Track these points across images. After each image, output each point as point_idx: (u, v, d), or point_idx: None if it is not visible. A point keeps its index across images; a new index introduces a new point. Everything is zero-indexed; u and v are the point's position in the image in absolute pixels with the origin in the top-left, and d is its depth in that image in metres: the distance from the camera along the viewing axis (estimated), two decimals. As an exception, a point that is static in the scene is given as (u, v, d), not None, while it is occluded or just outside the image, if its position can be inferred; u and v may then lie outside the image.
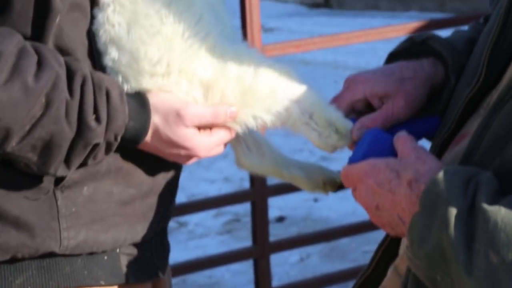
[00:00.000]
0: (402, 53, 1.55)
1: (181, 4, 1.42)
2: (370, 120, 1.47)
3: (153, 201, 1.53)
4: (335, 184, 1.57)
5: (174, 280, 4.14)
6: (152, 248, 1.58)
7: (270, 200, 3.68)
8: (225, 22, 1.50)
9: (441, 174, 1.19)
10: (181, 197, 5.07)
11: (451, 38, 1.57)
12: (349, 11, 12.65)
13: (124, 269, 1.53)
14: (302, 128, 1.48)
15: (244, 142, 1.55)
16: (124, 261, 1.53)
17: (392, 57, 1.57)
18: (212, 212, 4.77)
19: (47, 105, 1.33)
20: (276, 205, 4.79)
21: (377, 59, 8.90)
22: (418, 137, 1.51)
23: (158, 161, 1.49)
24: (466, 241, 1.14)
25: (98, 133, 1.37)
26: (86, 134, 1.36)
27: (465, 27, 1.66)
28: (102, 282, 1.50)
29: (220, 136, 1.48)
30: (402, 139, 1.33)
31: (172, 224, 4.76)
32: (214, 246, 4.46)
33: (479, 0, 10.73)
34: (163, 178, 1.54)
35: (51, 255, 1.45)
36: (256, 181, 3.53)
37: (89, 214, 1.46)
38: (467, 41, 1.55)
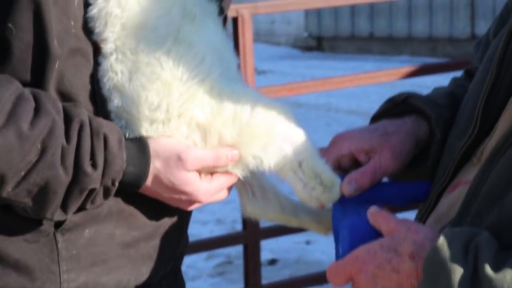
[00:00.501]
0: (384, 114, 1.57)
1: (181, 48, 1.44)
2: (359, 174, 1.47)
3: (158, 242, 1.53)
4: None
5: (166, 323, 4.13)
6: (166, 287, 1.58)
7: (262, 243, 3.68)
8: (228, 63, 1.51)
9: (440, 241, 1.17)
10: (173, 239, 5.06)
11: (431, 94, 1.59)
12: (341, 55, 12.75)
13: None
14: (289, 175, 1.47)
15: (250, 189, 1.54)
16: None
17: (375, 119, 1.59)
18: (204, 254, 4.75)
19: (43, 151, 1.34)
20: (268, 248, 4.78)
21: (369, 102, 8.96)
22: (407, 201, 1.53)
23: (161, 203, 1.49)
24: None
25: (94, 179, 1.37)
26: (82, 180, 1.36)
27: (456, 73, 1.69)
28: None
29: (221, 181, 1.48)
30: (380, 216, 1.30)
31: (163, 266, 4.74)
32: (205, 289, 4.44)
33: (470, 46, 10.80)
34: (168, 219, 1.54)
35: None
36: (249, 223, 3.54)
37: (90, 256, 1.46)
38: (447, 95, 1.57)
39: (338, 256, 1.34)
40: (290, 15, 13.50)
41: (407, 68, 3.86)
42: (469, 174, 1.36)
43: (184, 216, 1.58)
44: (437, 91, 1.61)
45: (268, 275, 3.85)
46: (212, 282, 4.56)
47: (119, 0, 1.41)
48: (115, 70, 1.42)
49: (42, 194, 1.36)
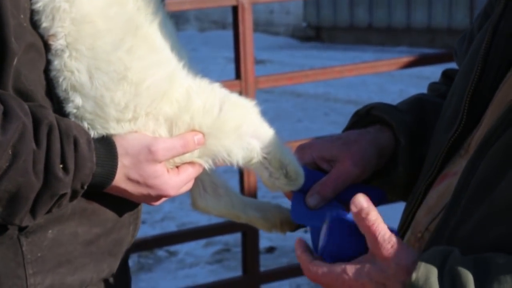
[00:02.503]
0: (352, 127, 1.60)
1: (143, 46, 1.40)
2: (320, 185, 1.49)
3: (116, 236, 1.52)
4: (292, 224, 1.55)
5: (164, 309, 4.15)
6: (117, 280, 1.57)
7: (260, 231, 3.70)
8: (185, 56, 1.49)
9: (414, 276, 1.17)
10: (171, 227, 5.08)
11: (399, 103, 1.62)
12: (340, 45, 12.75)
13: None
14: (256, 164, 1.48)
15: (201, 184, 1.54)
16: None
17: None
18: (202, 241, 4.77)
19: (14, 157, 1.29)
20: (267, 236, 4.80)
21: (368, 92, 8.97)
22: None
23: (121, 198, 1.47)
24: None
25: (65, 183, 1.34)
26: (53, 185, 1.32)
27: (454, 63, 1.71)
28: None
29: (188, 173, 1.47)
30: (367, 223, 1.25)
31: (162, 253, 4.76)
32: (204, 276, 4.46)
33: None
34: (126, 213, 1.53)
35: None
36: (247, 211, 3.56)
37: (55, 257, 1.44)
38: (413, 101, 1.60)
39: (316, 246, 1.32)
40: (289, 5, 13.48)
41: (406, 58, 3.88)
42: (456, 166, 1.37)
43: (139, 207, 1.57)
44: (407, 98, 1.64)
45: (266, 262, 3.87)
46: (210, 269, 4.59)
47: None
48: (70, 69, 1.37)
49: (13, 201, 1.31)
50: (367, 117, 1.58)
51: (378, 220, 1.24)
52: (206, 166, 1.48)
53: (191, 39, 12.05)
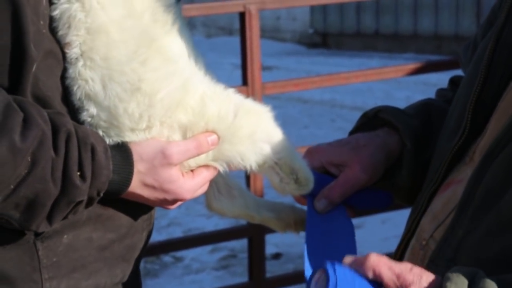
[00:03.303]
0: (360, 129, 1.60)
1: (157, 57, 1.40)
2: (328, 190, 1.49)
3: (130, 241, 1.52)
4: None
5: (170, 315, 4.15)
6: (129, 285, 1.56)
7: (267, 237, 3.70)
8: (201, 63, 1.49)
9: None
10: (177, 232, 5.09)
11: (406, 107, 1.62)
12: (346, 51, 12.75)
13: None
14: (267, 169, 1.49)
15: (215, 186, 1.54)
16: None
17: (351, 134, 1.61)
18: (208, 247, 4.78)
19: (33, 164, 1.29)
20: (273, 242, 4.80)
21: (374, 99, 8.97)
22: (365, 208, 1.56)
23: (136, 202, 1.47)
24: None
25: (82, 191, 1.34)
26: (70, 192, 1.33)
27: (460, 70, 1.72)
28: None
29: (203, 176, 1.47)
30: (380, 265, 1.19)
31: (168, 259, 4.77)
32: (209, 282, 4.46)
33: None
34: (140, 218, 1.53)
35: None
36: (254, 217, 3.56)
37: (70, 262, 1.44)
38: (420, 105, 1.60)
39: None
40: (296, 11, 13.50)
41: (413, 65, 3.88)
42: (461, 173, 1.37)
43: (152, 212, 1.57)
44: (415, 102, 1.64)
45: (272, 269, 3.87)
46: (216, 275, 4.59)
47: (83, 3, 1.36)
48: (84, 78, 1.37)
49: (30, 207, 1.31)
50: (374, 119, 1.58)
51: (382, 261, 1.18)
52: (221, 169, 1.48)
53: (198, 45, 11.95)
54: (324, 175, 1.52)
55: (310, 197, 1.51)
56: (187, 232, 4.99)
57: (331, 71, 7.63)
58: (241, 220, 5.35)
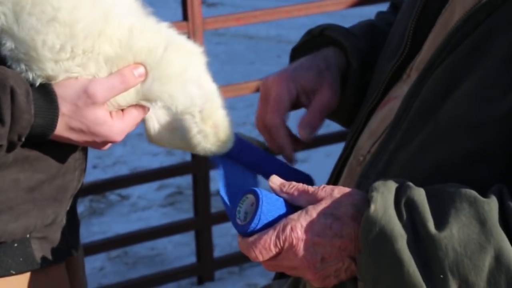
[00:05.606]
0: (304, 46, 1.59)
1: None
2: (308, 116, 1.49)
3: (61, 182, 1.49)
4: None
5: (116, 252, 4.17)
6: (64, 227, 1.55)
7: (211, 173, 3.71)
8: None
9: (372, 209, 1.13)
10: (123, 170, 5.06)
11: (351, 27, 1.62)
12: (292, -14, 12.68)
13: (36, 254, 1.49)
14: (188, 116, 1.42)
15: (155, 117, 1.48)
16: (35, 245, 1.49)
17: (294, 51, 1.61)
18: (154, 185, 4.77)
19: None
20: (217, 177, 4.81)
21: (319, 34, 8.97)
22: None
23: (65, 143, 1.44)
24: (426, 274, 1.10)
25: (1, 135, 1.31)
26: None
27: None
28: (13, 272, 1.46)
29: (133, 116, 1.43)
30: (293, 186, 1.22)
31: (114, 197, 4.75)
32: (156, 219, 4.47)
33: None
34: (71, 158, 1.50)
35: None
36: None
37: None
38: (366, 26, 1.60)
39: (248, 230, 1.21)
40: None
41: (355, -2, 3.88)
42: (398, 90, 1.39)
43: (85, 151, 1.54)
44: (358, 23, 1.64)
45: (217, 204, 3.88)
46: (162, 212, 4.60)
47: None
48: None
49: None
50: (319, 37, 1.57)
51: (300, 184, 1.22)
52: (151, 108, 1.44)
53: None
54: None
55: (222, 158, 1.45)
56: (133, 170, 4.97)
57: (276, 6, 7.59)
58: (187, 158, 5.36)
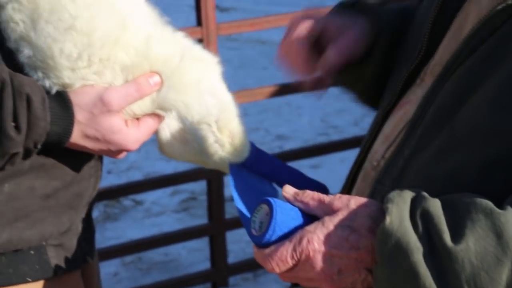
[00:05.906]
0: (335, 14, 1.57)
1: None
2: (340, 44, 1.46)
3: (77, 189, 1.49)
4: None
5: (130, 258, 4.17)
6: (79, 235, 1.55)
7: (225, 178, 3.71)
8: (145, 4, 1.44)
9: (387, 221, 1.12)
10: (137, 176, 5.07)
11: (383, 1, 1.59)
12: (305, -9, 12.66)
13: (52, 261, 1.49)
14: (204, 125, 1.42)
15: (168, 129, 1.48)
16: (51, 253, 1.49)
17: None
18: (168, 190, 4.78)
19: None
20: (232, 183, 4.81)
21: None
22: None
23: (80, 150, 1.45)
24: (443, 287, 1.08)
25: (17, 143, 1.31)
26: (4, 144, 1.30)
27: None
28: (29, 279, 1.46)
29: (149, 125, 1.43)
30: (308, 196, 1.21)
31: (128, 202, 4.76)
32: (170, 224, 4.48)
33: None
34: (86, 165, 1.51)
35: None
36: (212, 159, 3.55)
37: (12, 212, 1.41)
38: (398, 10, 1.57)
39: (263, 242, 1.19)
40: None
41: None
42: (411, 94, 1.37)
43: (100, 159, 1.54)
44: (392, 5, 1.61)
45: (232, 210, 3.88)
46: (176, 218, 4.60)
47: None
48: (15, 21, 1.33)
49: None
50: (351, 8, 1.55)
51: (315, 192, 1.21)
52: (166, 117, 1.44)
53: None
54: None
55: (237, 168, 1.44)
56: (147, 176, 4.98)
57: (289, 11, 7.58)
58: (200, 163, 5.36)
